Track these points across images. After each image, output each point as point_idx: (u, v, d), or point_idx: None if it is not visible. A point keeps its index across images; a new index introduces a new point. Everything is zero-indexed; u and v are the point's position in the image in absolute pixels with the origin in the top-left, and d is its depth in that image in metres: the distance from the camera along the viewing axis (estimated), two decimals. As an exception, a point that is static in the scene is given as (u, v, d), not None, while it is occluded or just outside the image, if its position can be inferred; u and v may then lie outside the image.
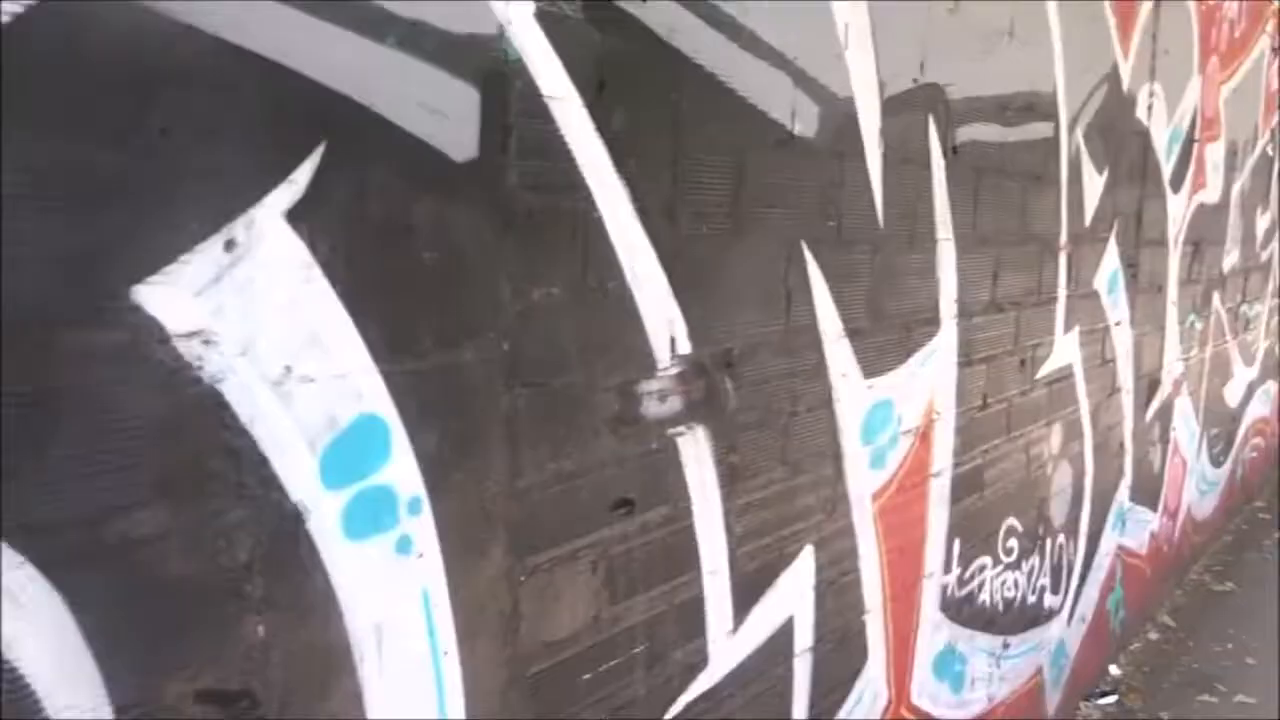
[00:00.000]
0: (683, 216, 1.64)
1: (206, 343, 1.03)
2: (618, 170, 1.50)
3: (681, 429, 1.70)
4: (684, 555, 1.74)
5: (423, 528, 1.28)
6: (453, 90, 1.25)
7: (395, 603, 1.26)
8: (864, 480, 2.25)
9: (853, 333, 2.12)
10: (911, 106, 2.24)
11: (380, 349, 1.20)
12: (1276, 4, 5.37)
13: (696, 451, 1.74)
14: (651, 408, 1.65)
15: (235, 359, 1.05)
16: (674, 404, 1.69)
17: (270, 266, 1.07)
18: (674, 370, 1.67)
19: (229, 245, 1.04)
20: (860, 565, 2.27)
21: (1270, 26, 5.36)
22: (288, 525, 1.12)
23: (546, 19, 1.36)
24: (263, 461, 1.09)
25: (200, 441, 1.04)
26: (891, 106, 2.15)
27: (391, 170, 1.20)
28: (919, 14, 2.22)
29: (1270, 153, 5.86)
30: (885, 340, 2.26)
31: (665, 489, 1.69)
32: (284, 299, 1.09)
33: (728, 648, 1.86)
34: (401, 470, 1.25)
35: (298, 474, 1.12)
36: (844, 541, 2.20)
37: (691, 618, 1.77)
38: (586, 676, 1.56)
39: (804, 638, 2.09)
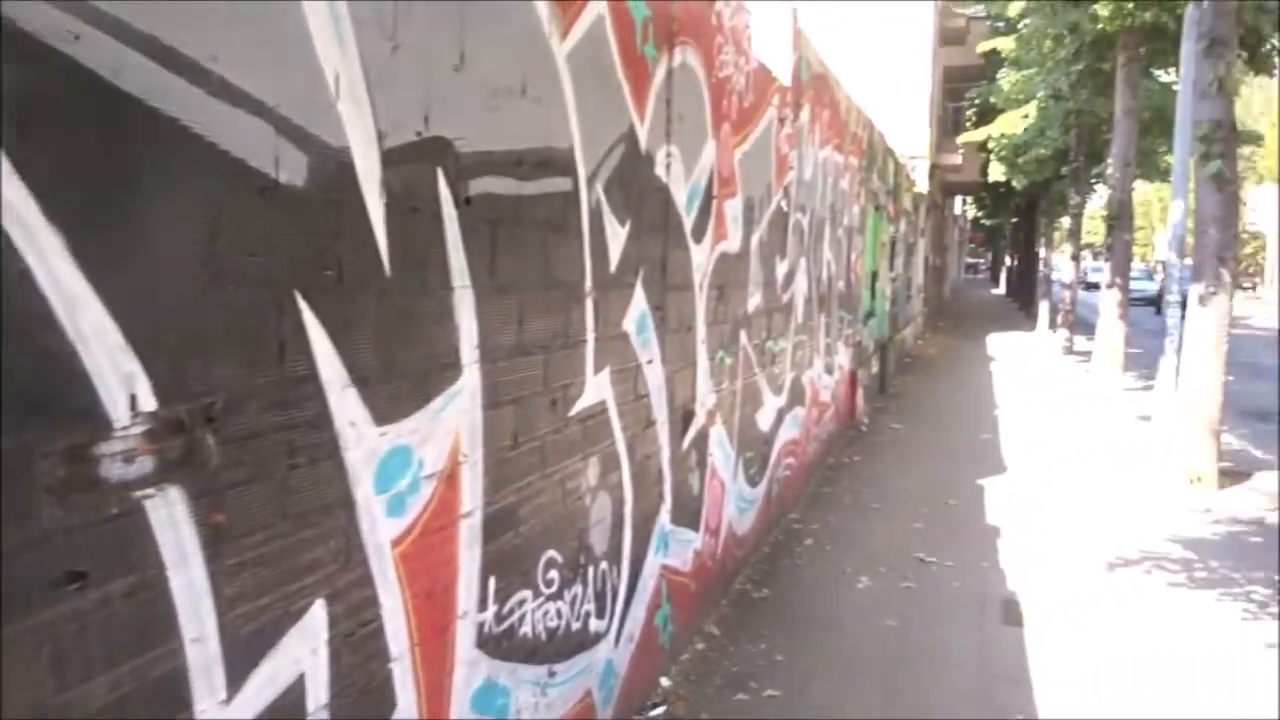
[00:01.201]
0: (140, 266, 1.55)
1: None
2: (49, 219, 1.38)
3: (151, 491, 1.60)
4: (159, 626, 1.62)
5: None
6: None
7: None
8: (382, 528, 2.24)
9: (361, 380, 2.12)
10: (417, 158, 2.29)
11: None
12: (779, 82, 6.20)
13: (170, 513, 1.63)
14: (114, 471, 1.53)
15: None
16: (143, 465, 1.59)
17: None
18: (138, 429, 1.56)
19: None
20: (382, 614, 2.26)
21: (776, 100, 6.17)
22: None
23: (-64, 50, 1.23)
24: None
25: None
26: (393, 158, 2.18)
27: None
28: (419, 69, 2.28)
29: (785, 208, 6.73)
30: (399, 387, 2.27)
31: (131, 557, 1.57)
32: None
33: (221, 718, 1.76)
34: None
35: None
36: (362, 592, 2.18)
37: (172, 692, 1.66)
38: (30, 775, 1.41)
39: (318, 694, 2.03)
